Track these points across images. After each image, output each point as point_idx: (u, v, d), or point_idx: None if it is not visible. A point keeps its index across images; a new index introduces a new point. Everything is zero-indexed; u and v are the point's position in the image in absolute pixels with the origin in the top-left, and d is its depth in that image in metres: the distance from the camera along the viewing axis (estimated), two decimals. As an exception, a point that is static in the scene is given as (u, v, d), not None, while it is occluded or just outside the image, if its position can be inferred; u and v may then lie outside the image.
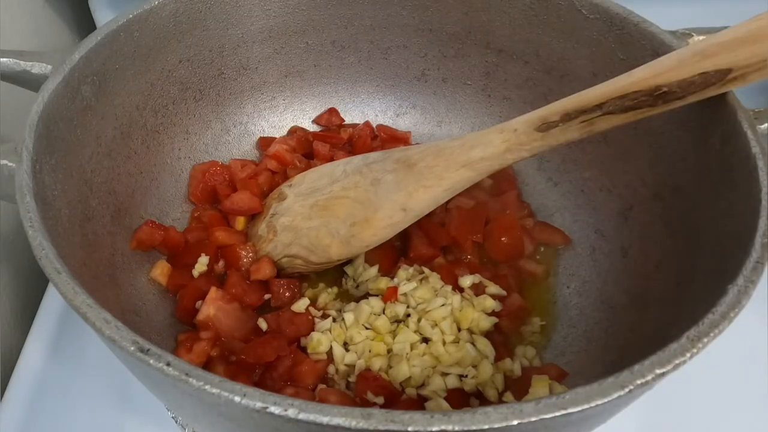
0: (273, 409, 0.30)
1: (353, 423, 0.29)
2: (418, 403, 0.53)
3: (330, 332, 0.56)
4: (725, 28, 0.45)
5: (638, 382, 0.32)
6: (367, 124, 0.74)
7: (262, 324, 0.56)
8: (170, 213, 0.65)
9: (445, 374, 0.54)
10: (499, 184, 0.67)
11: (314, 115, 0.75)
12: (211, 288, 0.56)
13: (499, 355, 0.56)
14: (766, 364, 0.60)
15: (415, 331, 0.56)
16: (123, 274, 0.57)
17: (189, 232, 0.62)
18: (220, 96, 0.69)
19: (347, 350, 0.56)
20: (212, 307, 0.55)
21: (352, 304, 0.59)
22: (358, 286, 0.61)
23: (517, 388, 0.54)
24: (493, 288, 0.59)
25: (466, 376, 0.54)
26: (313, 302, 0.60)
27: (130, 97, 0.59)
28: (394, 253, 0.62)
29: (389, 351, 0.55)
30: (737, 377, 0.59)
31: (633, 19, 0.56)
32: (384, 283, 0.58)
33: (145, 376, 0.38)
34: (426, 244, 0.60)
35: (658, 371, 0.32)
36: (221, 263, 0.61)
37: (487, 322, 0.57)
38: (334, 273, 0.63)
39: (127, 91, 0.58)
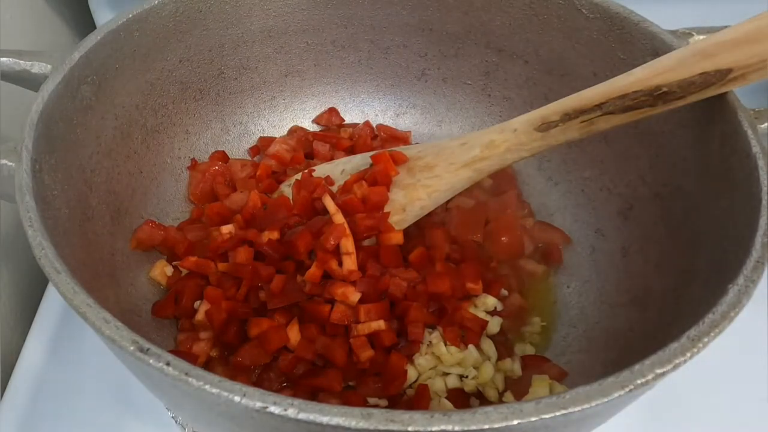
0: (273, 408, 0.30)
1: (353, 423, 0.29)
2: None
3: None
4: (725, 28, 0.45)
5: (638, 381, 0.32)
6: (367, 123, 0.74)
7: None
8: (170, 213, 0.65)
9: (445, 374, 0.55)
10: (499, 183, 0.67)
11: (314, 114, 0.75)
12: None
13: (499, 355, 0.56)
14: (766, 364, 0.60)
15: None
16: (123, 274, 0.57)
17: (189, 231, 0.62)
18: (220, 96, 0.69)
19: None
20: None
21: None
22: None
23: (517, 388, 0.54)
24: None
25: (467, 376, 0.54)
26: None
27: (130, 97, 0.59)
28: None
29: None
30: (737, 377, 0.59)
31: (633, 18, 0.56)
32: None
33: (145, 375, 0.38)
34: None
35: (658, 371, 0.32)
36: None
37: (494, 325, 0.57)
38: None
39: (126, 90, 0.58)
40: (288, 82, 0.73)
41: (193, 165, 0.67)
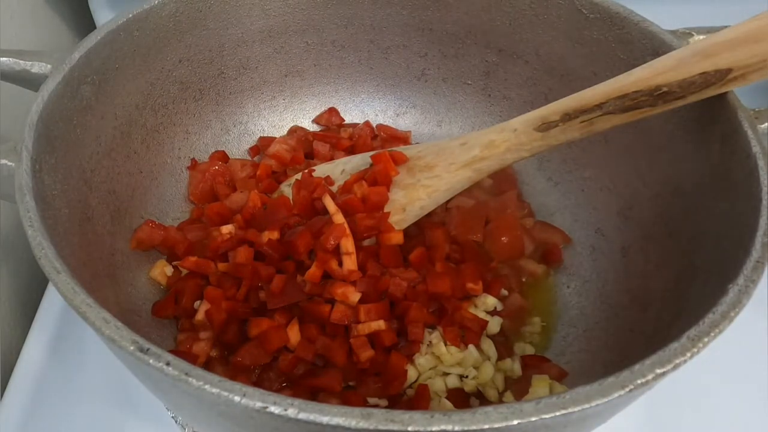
0: (273, 408, 0.30)
1: (353, 423, 0.29)
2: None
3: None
4: (725, 28, 0.45)
5: (638, 381, 0.32)
6: (367, 123, 0.74)
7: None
8: (170, 213, 0.65)
9: (445, 374, 0.55)
10: (499, 183, 0.67)
11: (314, 114, 0.75)
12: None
13: (499, 355, 0.56)
14: (766, 364, 0.60)
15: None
16: (123, 274, 0.57)
17: (189, 231, 0.62)
18: (220, 95, 0.69)
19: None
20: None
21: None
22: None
23: (517, 388, 0.54)
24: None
25: (467, 376, 0.54)
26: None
27: (130, 97, 0.59)
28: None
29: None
30: (737, 377, 0.59)
31: (633, 18, 0.56)
32: None
33: (145, 375, 0.38)
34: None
35: (658, 371, 0.32)
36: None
37: (494, 325, 0.57)
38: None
39: (126, 90, 0.58)
40: (288, 82, 0.73)
41: (193, 165, 0.67)
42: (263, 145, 0.71)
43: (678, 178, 0.53)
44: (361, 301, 0.53)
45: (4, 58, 0.52)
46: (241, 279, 0.55)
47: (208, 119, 0.69)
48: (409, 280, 0.55)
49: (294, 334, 0.53)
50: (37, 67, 0.52)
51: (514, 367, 0.55)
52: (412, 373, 0.54)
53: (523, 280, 0.62)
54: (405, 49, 0.71)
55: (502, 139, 0.53)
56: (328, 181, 0.61)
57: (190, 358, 0.53)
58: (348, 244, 0.54)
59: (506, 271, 0.62)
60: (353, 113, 0.76)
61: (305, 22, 0.69)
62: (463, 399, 0.54)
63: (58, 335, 0.63)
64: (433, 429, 0.29)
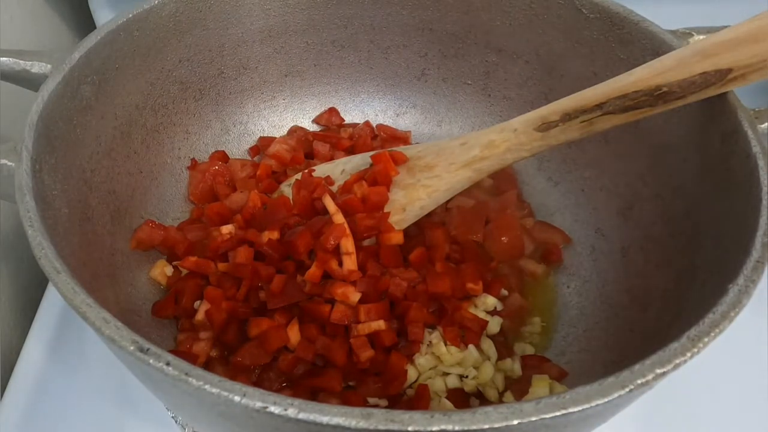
0: (273, 408, 0.30)
1: (353, 423, 0.29)
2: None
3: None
4: (725, 28, 0.45)
5: (638, 381, 0.32)
6: (367, 123, 0.74)
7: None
8: (170, 213, 0.65)
9: (445, 374, 0.55)
10: (500, 183, 0.67)
11: (314, 114, 0.75)
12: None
13: (499, 355, 0.56)
14: (766, 364, 0.60)
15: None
16: (123, 274, 0.57)
17: (189, 231, 0.62)
18: (220, 95, 0.69)
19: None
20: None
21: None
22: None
23: (517, 388, 0.54)
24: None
25: (467, 376, 0.54)
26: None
27: (130, 97, 0.59)
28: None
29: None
30: (737, 377, 0.59)
31: (633, 18, 0.56)
32: None
33: (145, 375, 0.38)
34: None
35: (658, 371, 0.32)
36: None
37: (494, 325, 0.57)
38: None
39: (126, 90, 0.58)
40: (288, 82, 0.73)
41: (193, 165, 0.67)
42: (263, 145, 0.71)
43: (678, 178, 0.53)
44: (361, 301, 0.53)
45: (4, 58, 0.52)
46: (241, 279, 0.55)
47: (208, 119, 0.69)
48: (409, 280, 0.55)
49: (294, 334, 0.53)
50: (37, 67, 0.52)
51: (514, 367, 0.55)
52: (412, 373, 0.54)
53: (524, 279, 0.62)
54: (405, 49, 0.71)
55: (502, 139, 0.53)
56: (328, 181, 0.61)
57: (190, 358, 0.53)
58: (348, 244, 0.54)
59: (506, 271, 0.62)
60: (353, 113, 0.76)
61: (305, 22, 0.69)
62: (463, 399, 0.54)
63: (58, 335, 0.63)
64: (433, 429, 0.29)
